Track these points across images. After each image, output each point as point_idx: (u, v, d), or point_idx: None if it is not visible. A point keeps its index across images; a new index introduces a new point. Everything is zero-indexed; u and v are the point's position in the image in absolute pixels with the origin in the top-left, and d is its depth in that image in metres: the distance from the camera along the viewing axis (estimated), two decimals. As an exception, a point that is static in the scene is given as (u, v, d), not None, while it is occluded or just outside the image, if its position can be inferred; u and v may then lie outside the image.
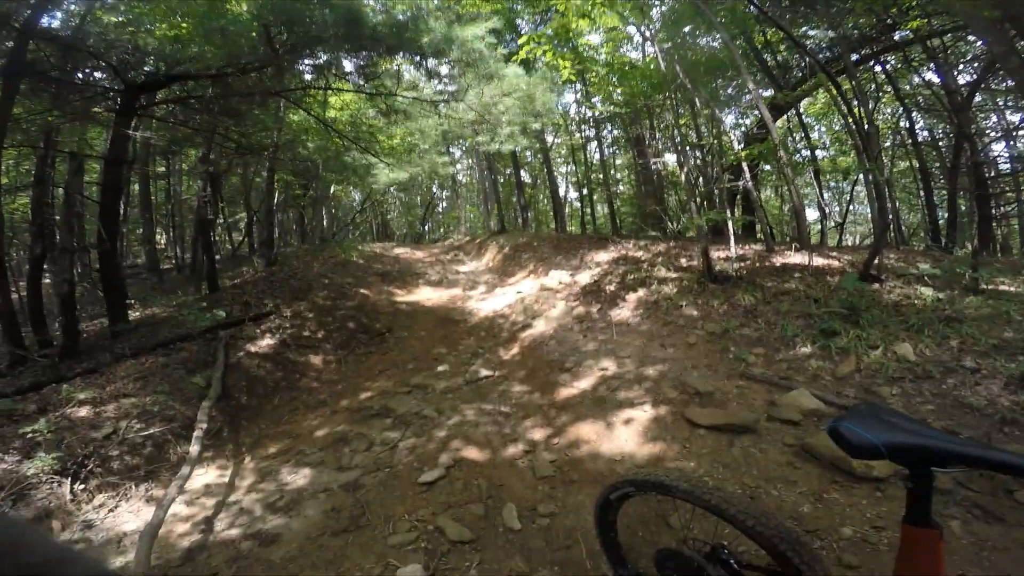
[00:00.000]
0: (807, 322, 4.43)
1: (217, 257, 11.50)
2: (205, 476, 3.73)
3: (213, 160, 8.45)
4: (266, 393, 5.16)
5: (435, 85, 8.75)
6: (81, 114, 6.05)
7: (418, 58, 7.00)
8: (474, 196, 26.47)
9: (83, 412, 4.04)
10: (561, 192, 19.46)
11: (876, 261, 5.07)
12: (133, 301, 7.69)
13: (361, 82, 7.08)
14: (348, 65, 7.01)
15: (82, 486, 3.37)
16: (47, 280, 8.03)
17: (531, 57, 7.68)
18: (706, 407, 3.44)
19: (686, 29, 10.57)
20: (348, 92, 7.99)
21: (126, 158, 6.67)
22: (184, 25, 5.93)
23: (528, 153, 19.67)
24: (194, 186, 13.80)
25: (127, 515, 3.24)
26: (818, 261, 6.00)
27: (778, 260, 6.38)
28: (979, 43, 8.83)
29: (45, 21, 5.53)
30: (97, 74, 6.12)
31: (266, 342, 5.99)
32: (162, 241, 17.11)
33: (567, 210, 20.61)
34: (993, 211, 9.81)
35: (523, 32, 12.61)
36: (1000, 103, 11.31)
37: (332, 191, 17.58)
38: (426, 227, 26.78)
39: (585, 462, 3.12)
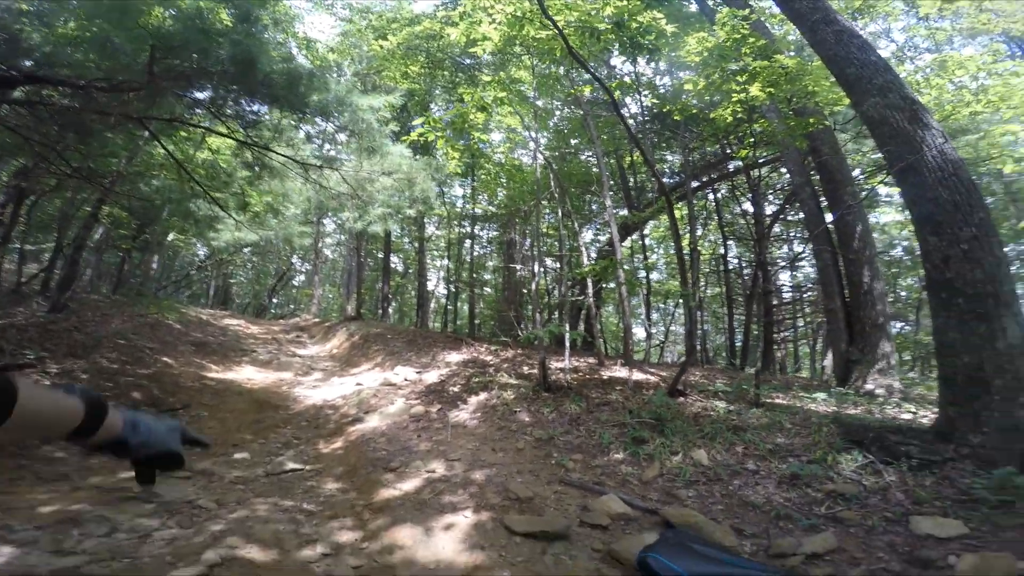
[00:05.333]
0: (621, 431, 4.81)
1: (-9, 287, 9.25)
2: None
3: (33, 176, 7.06)
4: (-20, 455, 4.08)
5: (312, 148, 8.30)
6: None
7: (301, 115, 6.66)
8: (336, 275, 25.41)
9: None
10: (431, 286, 19.52)
11: (683, 378, 5.80)
12: None
13: (236, 127, 6.56)
14: (231, 108, 6.53)
15: None
16: None
17: (423, 141, 7.79)
18: (525, 513, 3.44)
19: (572, 141, 12.15)
20: (217, 134, 7.29)
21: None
22: (94, 28, 5.22)
23: (405, 240, 19.79)
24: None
25: None
26: (638, 376, 6.74)
27: (606, 373, 7.06)
28: (786, 175, 11.17)
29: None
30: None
31: (7, 398, 4.76)
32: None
33: (433, 305, 20.67)
34: (775, 335, 11.95)
35: (437, 115, 13.31)
36: (792, 233, 14.24)
37: (171, 238, 15.53)
38: (274, 300, 24.66)
39: (397, 569, 2.85)
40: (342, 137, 8.07)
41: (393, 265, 20.43)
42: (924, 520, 2.86)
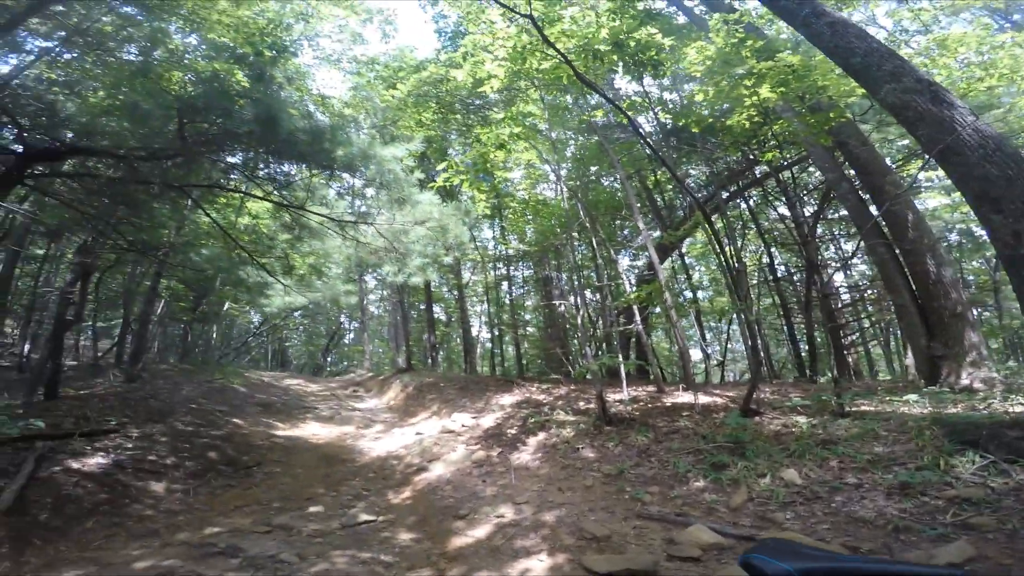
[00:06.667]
0: (697, 458, 4.54)
1: (73, 363, 10.28)
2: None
3: (94, 253, 7.61)
4: (79, 514, 4.42)
5: (345, 205, 8.36)
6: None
7: (329, 171, 6.77)
8: (384, 330, 25.95)
9: None
10: (474, 331, 19.52)
11: (754, 396, 5.46)
12: (-62, 392, 6.39)
13: (271, 189, 6.73)
14: (263, 169, 6.73)
15: None
16: None
17: (449, 185, 7.73)
18: (604, 552, 3.27)
19: (592, 168, 12.19)
20: (254, 198, 7.43)
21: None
22: (122, 97, 5.70)
23: (444, 289, 20.07)
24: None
25: None
26: (704, 399, 6.41)
27: (668, 400, 6.80)
28: (818, 174, 10.62)
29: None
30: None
31: (96, 460, 5.27)
32: (14, 334, 14.56)
33: (480, 350, 20.67)
34: (843, 340, 11.08)
35: (457, 159, 13.56)
36: (836, 232, 13.31)
37: (226, 308, 16.33)
38: (328, 359, 25.42)
39: (481, 618, 2.72)
40: (371, 191, 8.18)
41: (436, 315, 20.68)
42: (1080, 517, 2.48)
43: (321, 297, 12.73)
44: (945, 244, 13.24)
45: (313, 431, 8.66)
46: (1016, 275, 3.69)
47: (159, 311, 13.36)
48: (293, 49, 11.15)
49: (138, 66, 6.98)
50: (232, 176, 6.84)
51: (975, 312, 13.40)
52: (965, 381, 5.78)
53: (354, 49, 14.33)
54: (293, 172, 6.65)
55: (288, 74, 8.80)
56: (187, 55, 9.33)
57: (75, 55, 7.62)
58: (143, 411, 7.17)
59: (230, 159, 6.54)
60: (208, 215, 7.68)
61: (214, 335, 18.08)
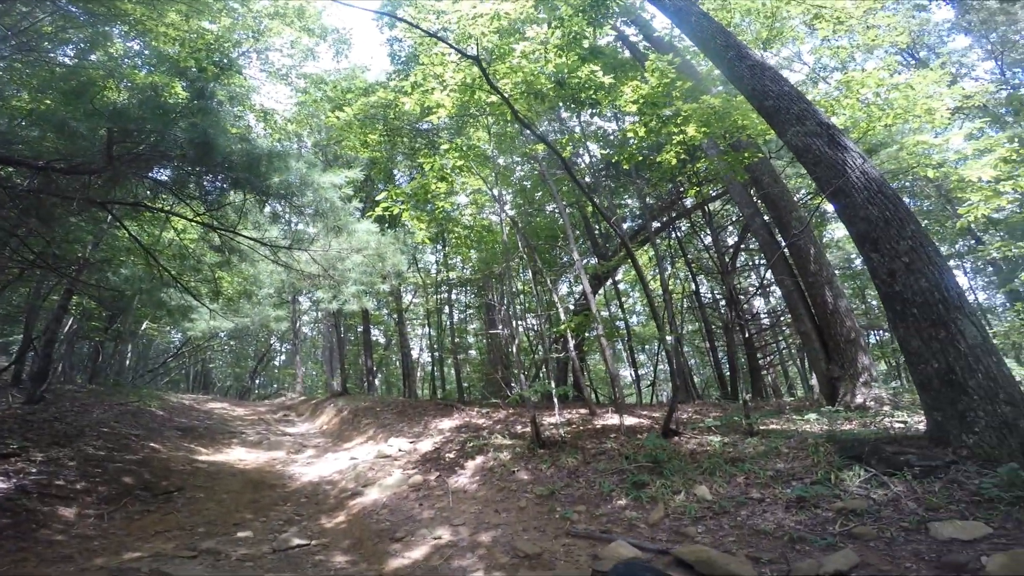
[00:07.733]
0: (621, 477, 4.82)
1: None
2: None
3: None
4: (-22, 539, 4.08)
5: (279, 228, 7.79)
6: None
7: (263, 197, 6.39)
8: (318, 352, 25.00)
9: None
10: (415, 355, 19.26)
11: (675, 417, 5.86)
12: None
13: (200, 209, 6.34)
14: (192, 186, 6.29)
15: None
16: None
17: (389, 214, 7.66)
18: (535, 569, 3.45)
19: (537, 195, 12.49)
20: (182, 218, 6.88)
21: None
22: (48, 101, 5.27)
23: (384, 312, 19.72)
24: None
25: None
26: (631, 421, 6.81)
27: (599, 422, 7.12)
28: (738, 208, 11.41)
29: None
30: None
31: (-6, 485, 4.88)
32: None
33: (420, 373, 20.36)
34: (760, 361, 11.93)
35: (399, 182, 13.30)
36: (757, 261, 14.28)
37: (144, 327, 15.20)
38: (256, 381, 24.11)
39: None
40: (309, 210, 8.00)
41: (374, 338, 20.25)
42: (944, 525, 2.87)
43: (250, 322, 12.09)
44: (850, 271, 14.62)
45: (239, 456, 8.30)
46: (891, 309, 4.25)
47: (67, 328, 12.30)
48: (240, 64, 10.85)
49: (71, 69, 6.48)
50: (160, 192, 6.44)
51: (870, 336, 14.91)
52: (859, 400, 6.50)
53: (305, 65, 14.08)
54: (227, 191, 6.29)
55: (232, 92, 8.56)
56: (126, 60, 8.88)
57: (4, 55, 7.04)
58: (48, 434, 6.76)
59: (159, 177, 6.17)
60: (130, 233, 7.14)
61: (129, 355, 16.79)
